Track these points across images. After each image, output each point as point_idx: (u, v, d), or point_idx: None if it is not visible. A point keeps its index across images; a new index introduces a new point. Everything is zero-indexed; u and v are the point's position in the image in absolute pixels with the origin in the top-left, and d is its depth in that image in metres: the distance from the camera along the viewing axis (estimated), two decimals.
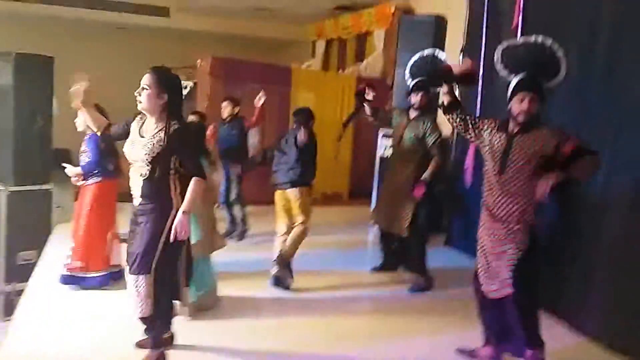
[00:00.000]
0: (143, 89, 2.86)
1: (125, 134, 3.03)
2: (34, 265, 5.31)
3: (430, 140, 4.62)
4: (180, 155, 2.90)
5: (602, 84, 4.09)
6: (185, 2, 10.98)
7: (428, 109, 4.82)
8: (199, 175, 2.92)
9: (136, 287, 2.91)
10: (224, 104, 6.07)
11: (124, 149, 2.95)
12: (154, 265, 2.90)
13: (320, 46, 11.67)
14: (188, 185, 2.91)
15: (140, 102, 2.88)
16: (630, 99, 3.83)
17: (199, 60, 8.35)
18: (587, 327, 3.96)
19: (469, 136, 3.38)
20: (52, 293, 4.22)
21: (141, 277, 2.90)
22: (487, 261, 3.22)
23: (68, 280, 4.25)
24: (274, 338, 3.69)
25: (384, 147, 6.93)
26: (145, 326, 3.10)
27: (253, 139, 6.41)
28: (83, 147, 4.34)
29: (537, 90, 3.06)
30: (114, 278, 4.37)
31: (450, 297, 4.65)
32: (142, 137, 2.90)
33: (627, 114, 3.84)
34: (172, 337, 3.26)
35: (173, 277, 3.06)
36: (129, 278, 2.95)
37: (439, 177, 4.90)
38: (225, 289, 4.21)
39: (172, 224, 2.87)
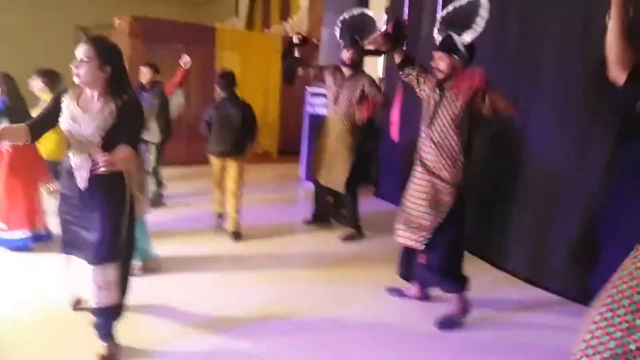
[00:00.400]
0: (81, 61, 2.56)
1: (55, 120, 2.70)
2: None
3: (372, 89, 4.82)
4: (128, 130, 2.65)
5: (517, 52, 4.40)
6: None
7: (358, 65, 5.00)
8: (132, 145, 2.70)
9: (103, 276, 2.67)
10: (144, 69, 5.74)
11: (64, 128, 2.65)
12: (121, 250, 2.72)
13: (244, 4, 11.50)
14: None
15: (78, 76, 2.58)
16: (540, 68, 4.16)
17: (116, 20, 8.02)
18: (507, 265, 4.43)
19: (417, 89, 3.54)
20: None
21: (109, 265, 2.68)
22: (410, 212, 3.43)
23: None
24: (216, 291, 3.81)
25: (313, 105, 7.05)
26: (99, 317, 2.80)
27: (177, 99, 6.28)
28: None
29: (449, 49, 3.24)
30: (39, 240, 4.30)
31: (379, 245, 4.92)
32: (86, 112, 2.63)
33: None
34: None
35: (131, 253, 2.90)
36: (90, 269, 2.66)
37: (369, 133, 5.13)
38: (162, 249, 4.26)
39: (131, 201, 2.74)
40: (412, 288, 3.77)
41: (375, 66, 6.95)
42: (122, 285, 2.81)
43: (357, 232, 5.10)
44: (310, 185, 5.67)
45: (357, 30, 4.78)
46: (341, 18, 4.86)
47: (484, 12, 3.19)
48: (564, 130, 3.99)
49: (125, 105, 2.63)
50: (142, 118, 2.89)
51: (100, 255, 2.65)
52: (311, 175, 5.41)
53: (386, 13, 6.01)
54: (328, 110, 5.10)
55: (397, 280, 3.78)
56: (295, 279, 4.09)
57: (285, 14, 10.11)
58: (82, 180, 2.65)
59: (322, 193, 5.32)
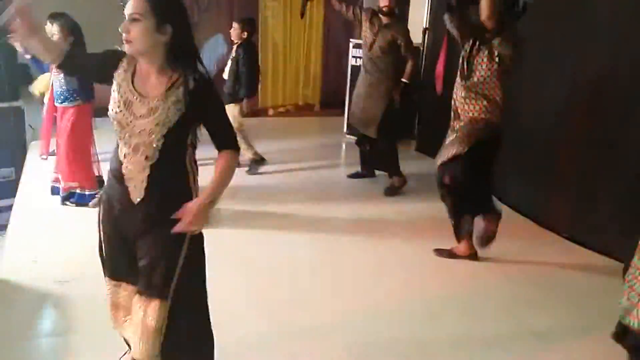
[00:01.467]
0: (133, 20, 1.83)
1: (97, 71, 2.04)
2: (13, 182, 5.38)
3: (403, 44, 4.78)
4: (209, 122, 1.97)
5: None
6: None
7: (395, 13, 4.91)
8: (234, 147, 2.04)
9: (143, 316, 1.98)
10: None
11: (112, 114, 1.94)
12: (172, 288, 1.99)
13: None
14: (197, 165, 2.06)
15: (129, 42, 1.85)
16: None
17: None
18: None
19: (462, 40, 3.50)
20: (41, 207, 4.36)
21: (154, 301, 1.98)
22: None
23: (68, 195, 4.38)
24: (262, 246, 3.95)
25: (356, 56, 6.97)
26: None
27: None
28: (56, 71, 4.10)
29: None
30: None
31: (422, 200, 4.90)
32: (143, 96, 1.91)
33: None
34: None
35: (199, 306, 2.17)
36: (135, 301, 2.03)
37: (411, 84, 5.07)
38: None
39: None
40: (460, 245, 3.79)
41: (420, 17, 6.78)
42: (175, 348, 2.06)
43: (398, 181, 5.10)
44: (352, 138, 5.68)
45: None
46: None
47: None
48: (614, 85, 3.88)
49: (201, 88, 1.90)
50: (221, 104, 2.08)
51: (147, 286, 1.99)
52: (350, 123, 5.42)
53: None
54: (363, 56, 5.10)
55: (445, 239, 3.82)
56: (336, 241, 4.11)
57: None
58: (135, 189, 1.94)
59: (362, 143, 5.33)
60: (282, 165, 5.68)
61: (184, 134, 1.95)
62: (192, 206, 1.91)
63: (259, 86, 5.68)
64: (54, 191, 4.49)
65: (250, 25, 5.27)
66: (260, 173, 5.44)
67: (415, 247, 3.96)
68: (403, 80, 4.88)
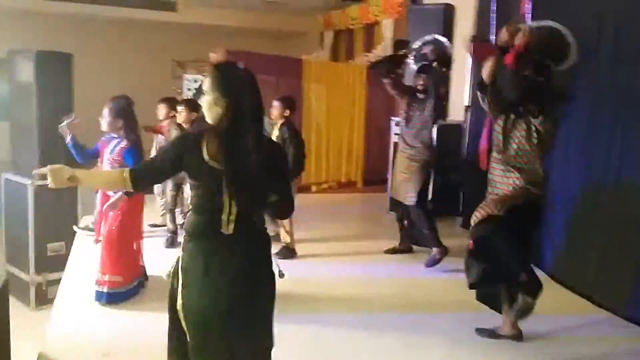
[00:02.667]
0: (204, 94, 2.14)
1: (172, 170, 2.22)
2: (63, 256, 5.49)
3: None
4: (276, 179, 2.15)
5: (609, 75, 4.25)
6: None
7: (430, 91, 5.06)
8: (291, 201, 2.28)
9: None
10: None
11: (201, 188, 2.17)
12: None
13: (329, 37, 11.75)
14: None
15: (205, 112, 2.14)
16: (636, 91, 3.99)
17: (211, 53, 8.44)
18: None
19: (494, 115, 3.56)
20: (89, 282, 4.39)
21: None
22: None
23: (110, 298, 4.00)
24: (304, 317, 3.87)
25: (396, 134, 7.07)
26: None
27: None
28: (110, 154, 4.04)
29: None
30: (142, 286, 4.28)
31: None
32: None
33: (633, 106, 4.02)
34: None
35: None
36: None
37: (451, 164, 5.15)
38: None
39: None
40: (504, 325, 3.58)
41: (461, 95, 6.87)
42: None
43: (439, 251, 4.99)
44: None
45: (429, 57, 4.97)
46: (414, 45, 4.99)
47: (570, 39, 3.15)
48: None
49: (274, 147, 2.29)
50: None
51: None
52: (390, 195, 5.43)
53: (472, 40, 5.98)
54: (401, 132, 5.27)
55: (485, 316, 3.65)
56: (376, 318, 4.00)
57: (368, 46, 10.23)
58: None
59: (401, 218, 5.35)
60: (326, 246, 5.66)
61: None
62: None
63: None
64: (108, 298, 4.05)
65: (291, 102, 5.24)
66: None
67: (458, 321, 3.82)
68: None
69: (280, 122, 5.15)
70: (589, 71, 4.30)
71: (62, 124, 4.05)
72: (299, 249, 5.25)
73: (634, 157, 4.06)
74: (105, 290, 4.00)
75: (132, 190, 2.24)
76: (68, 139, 4.08)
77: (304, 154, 5.39)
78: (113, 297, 4.01)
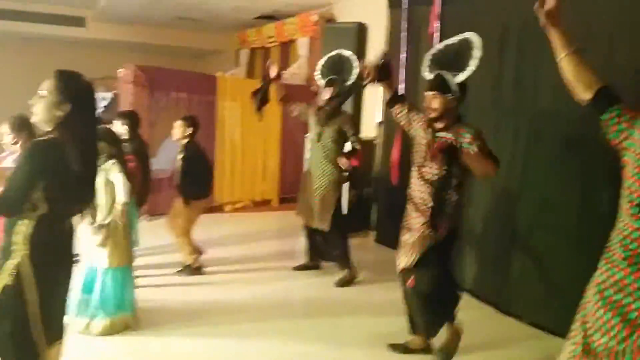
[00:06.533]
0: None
1: None
2: None
3: (349, 133, 4.92)
4: None
5: (513, 91, 4.44)
6: (102, 11, 10.68)
7: (338, 105, 4.98)
8: None
9: None
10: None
11: None
12: None
13: (244, 55, 11.70)
14: None
15: None
16: (538, 107, 4.17)
17: (120, 70, 8.12)
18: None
19: (408, 128, 3.53)
20: None
21: None
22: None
23: None
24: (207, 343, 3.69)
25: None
26: None
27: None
28: None
29: (441, 88, 3.22)
30: None
31: (378, 292, 4.77)
32: None
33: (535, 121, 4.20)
34: None
35: None
36: None
37: (364, 179, 5.11)
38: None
39: None
40: (416, 340, 3.59)
41: (373, 112, 6.98)
42: None
43: (350, 274, 4.97)
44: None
45: (335, 71, 4.87)
46: (321, 61, 4.95)
47: (477, 52, 3.18)
48: (564, 174, 3.96)
49: None
50: None
51: None
52: (298, 216, 5.29)
53: (383, 57, 6.12)
54: (311, 150, 5.12)
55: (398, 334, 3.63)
56: (287, 332, 3.92)
57: (284, 63, 10.25)
58: None
59: (312, 236, 5.20)
60: (238, 265, 5.49)
61: None
62: None
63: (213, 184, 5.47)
64: None
65: (193, 121, 4.99)
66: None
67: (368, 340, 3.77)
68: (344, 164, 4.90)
69: (184, 141, 4.94)
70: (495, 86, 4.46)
71: None
72: (210, 269, 5.08)
73: (536, 167, 4.22)
74: None
75: None
76: None
77: (211, 173, 5.22)
78: None
